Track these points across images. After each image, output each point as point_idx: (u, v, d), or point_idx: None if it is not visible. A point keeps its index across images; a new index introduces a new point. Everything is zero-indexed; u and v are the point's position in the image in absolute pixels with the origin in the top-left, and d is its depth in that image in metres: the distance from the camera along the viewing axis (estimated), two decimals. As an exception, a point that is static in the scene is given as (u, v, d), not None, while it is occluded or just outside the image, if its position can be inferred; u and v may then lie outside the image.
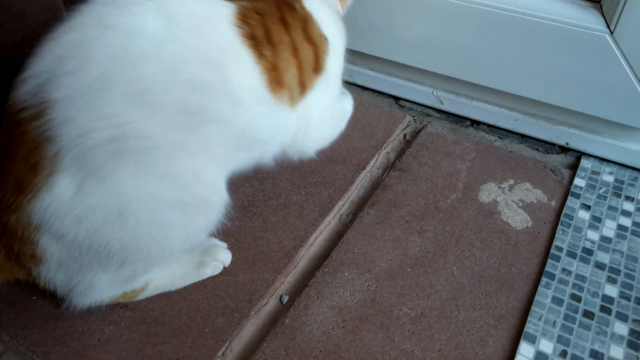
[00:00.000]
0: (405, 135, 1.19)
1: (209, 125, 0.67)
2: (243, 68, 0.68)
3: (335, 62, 0.82)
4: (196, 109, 0.65)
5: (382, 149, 1.13)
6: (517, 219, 0.99)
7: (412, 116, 1.24)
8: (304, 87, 0.76)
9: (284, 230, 0.94)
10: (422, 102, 1.25)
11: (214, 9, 0.67)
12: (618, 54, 0.94)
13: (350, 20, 1.14)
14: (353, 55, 1.26)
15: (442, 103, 1.22)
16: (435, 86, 1.21)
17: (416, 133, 1.19)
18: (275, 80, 0.71)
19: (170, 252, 0.72)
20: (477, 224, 0.98)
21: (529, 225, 0.98)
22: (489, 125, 1.21)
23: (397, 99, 1.29)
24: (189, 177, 0.67)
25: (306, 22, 0.76)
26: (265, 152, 0.80)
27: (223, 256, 0.86)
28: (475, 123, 1.22)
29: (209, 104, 0.66)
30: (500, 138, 1.19)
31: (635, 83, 0.95)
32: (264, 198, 1.00)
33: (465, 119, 1.23)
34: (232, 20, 0.67)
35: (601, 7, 0.95)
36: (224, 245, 0.88)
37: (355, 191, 1.05)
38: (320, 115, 0.82)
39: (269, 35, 0.70)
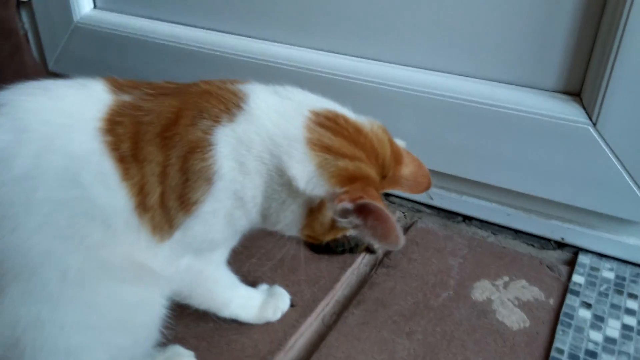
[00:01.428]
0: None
1: (91, 248, 0.61)
2: (106, 187, 0.61)
3: (213, 215, 0.68)
4: (68, 231, 0.60)
5: (370, 245, 1.09)
6: (514, 319, 0.92)
7: (402, 212, 1.22)
8: (170, 224, 0.66)
9: (261, 333, 0.88)
10: (412, 198, 1.23)
11: (78, 111, 0.62)
12: (603, 145, 0.92)
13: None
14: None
15: (432, 199, 1.20)
16: (424, 182, 1.20)
17: (406, 229, 1.15)
18: (142, 205, 0.64)
19: None
20: (470, 324, 0.91)
21: (527, 325, 0.91)
22: (481, 221, 1.17)
23: (386, 195, 1.27)
24: (90, 298, 0.62)
25: (196, 149, 0.64)
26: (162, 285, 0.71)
27: None
28: (467, 218, 1.19)
29: (79, 227, 0.60)
30: (494, 234, 1.15)
31: (624, 174, 0.93)
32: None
33: (457, 214, 1.20)
34: (97, 127, 0.61)
35: (581, 99, 0.96)
36: (189, 353, 0.82)
37: (340, 290, 1.00)
38: (186, 269, 0.72)
39: (136, 152, 0.62)
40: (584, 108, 0.94)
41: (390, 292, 0.98)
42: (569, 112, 0.95)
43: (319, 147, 0.67)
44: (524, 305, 0.95)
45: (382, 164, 0.73)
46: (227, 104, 0.66)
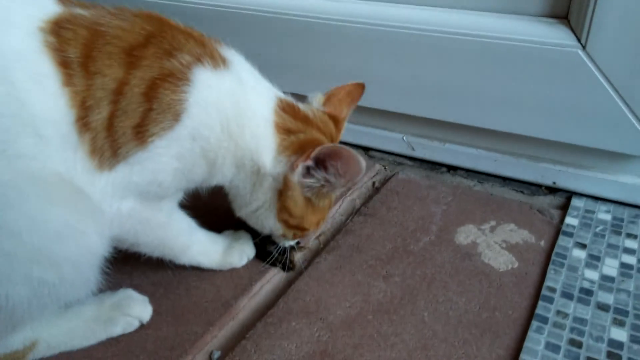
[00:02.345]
0: (374, 183, 1.08)
1: (12, 158, 0.53)
2: (42, 90, 0.54)
3: (169, 155, 0.62)
4: None
5: (347, 195, 1.01)
6: (501, 260, 0.84)
7: (382, 165, 1.14)
8: (114, 151, 0.60)
9: (224, 279, 0.80)
10: (393, 150, 1.15)
11: (17, 8, 0.55)
12: (594, 69, 0.85)
13: (307, 66, 1.08)
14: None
15: (413, 149, 1.12)
16: (405, 131, 1.12)
17: (386, 180, 1.07)
18: (82, 120, 0.57)
19: (19, 313, 0.56)
20: (453, 266, 0.83)
21: (515, 266, 0.83)
22: (467, 170, 1.09)
23: (366, 149, 1.19)
24: (9, 219, 0.53)
25: (170, 78, 0.60)
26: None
27: (138, 311, 0.72)
28: (451, 169, 1.11)
29: (2, 130, 0.53)
30: (480, 182, 1.07)
31: (618, 101, 0.85)
32: (206, 245, 0.86)
33: (440, 164, 1.12)
34: (39, 26, 0.55)
35: (569, 21, 0.88)
36: (142, 297, 0.74)
37: (312, 237, 0.91)
38: (124, 206, 0.64)
39: (86, 61, 0.56)
40: (572, 30, 0.87)
41: (367, 238, 0.90)
42: (556, 36, 0.87)
43: (282, 129, 0.70)
44: (512, 248, 0.87)
45: (330, 138, 0.76)
46: (212, 51, 0.64)
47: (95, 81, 0.56)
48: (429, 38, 0.96)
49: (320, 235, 0.92)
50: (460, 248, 0.87)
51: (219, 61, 0.64)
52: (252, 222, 0.77)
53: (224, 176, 0.70)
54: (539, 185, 1.03)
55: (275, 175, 0.70)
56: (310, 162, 0.68)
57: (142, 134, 0.60)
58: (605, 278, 0.79)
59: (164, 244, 0.74)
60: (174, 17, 0.66)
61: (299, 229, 0.76)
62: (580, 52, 0.85)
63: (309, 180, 0.70)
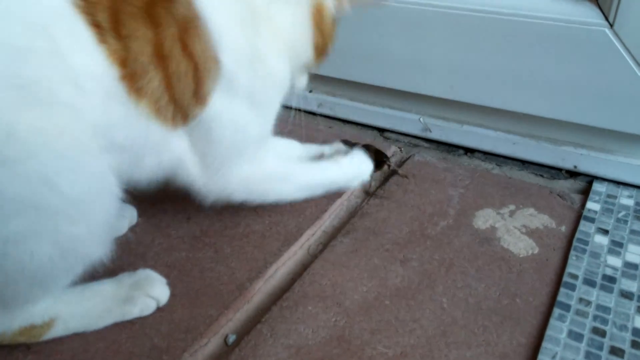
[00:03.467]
0: (389, 165, 1.06)
1: (54, 106, 0.52)
2: (80, 46, 0.53)
3: (232, 106, 0.65)
4: (28, 83, 0.50)
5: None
6: (521, 246, 0.82)
7: (398, 147, 1.12)
8: (182, 112, 0.62)
9: (239, 261, 0.79)
10: (409, 132, 1.13)
11: None
12: (621, 49, 0.82)
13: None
14: (331, 84, 1.17)
15: (430, 131, 1.10)
16: (422, 112, 1.10)
17: (402, 162, 1.05)
18: (131, 82, 0.57)
19: (42, 274, 0.56)
20: (471, 251, 0.81)
21: (535, 252, 0.81)
22: (485, 153, 1.07)
23: (381, 130, 1.17)
24: (42, 167, 0.51)
25: (188, 26, 0.59)
26: (138, 165, 0.64)
27: (158, 292, 0.71)
28: (469, 151, 1.09)
29: (42, 79, 0.51)
30: (499, 165, 1.05)
31: (644, 80, 0.82)
32: (220, 227, 0.85)
33: (458, 147, 1.10)
34: None
35: (596, -1, 0.85)
36: (160, 278, 0.73)
37: (328, 220, 0.90)
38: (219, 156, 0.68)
39: (116, 26, 0.55)
40: (600, 8, 0.84)
41: (383, 221, 0.88)
42: (582, 13, 0.84)
43: None
44: (532, 233, 0.85)
45: None
46: None
47: (131, 44, 0.56)
48: (446, 15, 0.93)
49: (335, 219, 0.90)
50: (478, 232, 0.85)
51: None
52: (294, 64, 0.75)
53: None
54: (559, 169, 1.01)
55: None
56: None
57: (199, 95, 0.61)
58: (628, 265, 0.77)
59: (303, 188, 0.86)
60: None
61: (323, 52, 0.77)
62: (608, 31, 0.82)
63: None
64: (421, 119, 1.10)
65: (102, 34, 0.54)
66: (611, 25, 0.81)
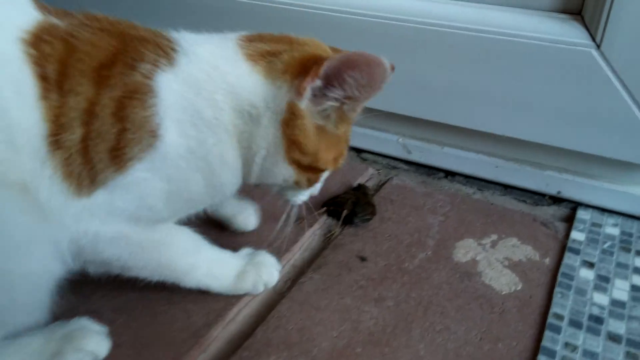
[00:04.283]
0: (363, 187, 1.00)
1: None
2: (21, 99, 0.50)
3: (156, 178, 0.57)
4: None
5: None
6: (503, 281, 0.77)
7: (377, 169, 1.06)
8: (92, 177, 0.55)
9: (196, 303, 0.72)
10: (388, 152, 1.07)
11: (2, 15, 0.52)
12: (608, 71, 0.77)
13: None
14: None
15: (409, 152, 1.05)
16: (401, 133, 1.04)
17: (379, 186, 1.00)
18: (54, 137, 0.52)
19: None
20: (451, 288, 0.76)
21: (518, 288, 0.76)
22: (466, 176, 1.02)
23: (359, 151, 1.11)
24: None
25: (136, 93, 0.55)
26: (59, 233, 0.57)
27: (94, 345, 0.63)
28: (449, 174, 1.04)
29: None
30: (480, 190, 1.00)
31: (632, 106, 0.78)
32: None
33: (438, 169, 1.04)
34: (22, 36, 0.51)
35: (582, 18, 0.80)
36: (98, 329, 0.65)
37: (298, 252, 0.84)
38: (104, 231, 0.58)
39: (61, 78, 0.52)
40: (586, 28, 0.79)
41: (358, 254, 0.82)
42: (568, 33, 0.79)
43: (258, 55, 0.60)
44: (515, 266, 0.80)
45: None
46: (164, 48, 0.58)
47: (69, 99, 0.53)
48: (427, 32, 0.88)
49: (306, 251, 0.84)
50: (459, 266, 0.80)
51: (172, 55, 0.58)
52: (266, 181, 0.66)
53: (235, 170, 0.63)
54: (542, 195, 0.96)
55: (274, 107, 0.59)
56: (318, 82, 0.58)
57: (119, 157, 0.55)
58: (615, 303, 0.73)
59: (163, 266, 0.67)
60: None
61: (314, 171, 0.65)
62: (594, 52, 0.77)
63: (321, 104, 0.60)
64: (400, 140, 1.04)
65: (47, 88, 0.52)
66: (598, 46, 0.77)
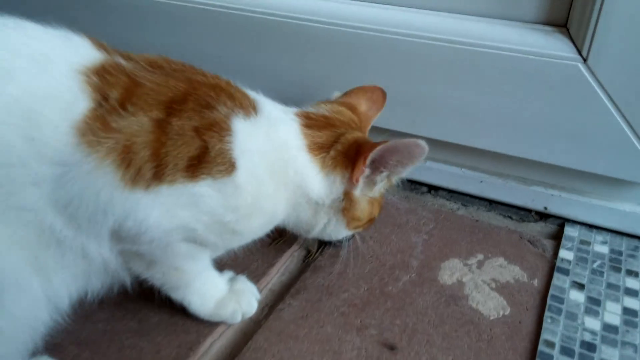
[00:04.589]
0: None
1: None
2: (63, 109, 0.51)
3: (217, 202, 0.58)
4: None
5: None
6: (491, 305, 0.74)
7: (357, 184, 1.02)
8: (158, 174, 0.55)
9: (167, 334, 0.67)
10: (368, 166, 1.03)
11: (60, 53, 0.54)
12: (595, 85, 0.74)
13: (273, 71, 0.95)
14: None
15: (391, 166, 1.01)
16: (382, 146, 1.00)
17: (360, 202, 0.95)
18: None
19: None
20: (437, 313, 0.72)
21: (507, 312, 0.72)
22: (450, 191, 0.99)
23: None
24: None
25: (213, 126, 0.57)
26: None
27: None
28: (433, 189, 1.00)
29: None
30: (465, 205, 0.96)
31: (620, 122, 0.75)
32: (147, 290, 0.73)
33: (421, 184, 1.01)
34: (78, 70, 0.53)
35: (568, 30, 0.77)
36: None
37: (276, 276, 0.79)
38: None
39: (125, 103, 0.53)
40: (572, 41, 0.76)
41: (339, 277, 0.78)
42: (554, 46, 0.76)
43: (315, 148, 0.66)
44: (502, 288, 0.76)
45: (356, 125, 0.74)
46: (242, 102, 0.61)
47: (129, 120, 0.53)
48: (407, 43, 0.84)
49: (284, 274, 0.80)
50: (444, 289, 0.76)
51: (249, 109, 0.61)
52: (324, 238, 0.75)
53: (279, 220, 0.68)
54: (528, 210, 0.93)
55: (331, 197, 0.68)
56: (367, 171, 0.66)
57: (195, 167, 0.55)
58: (608, 328, 0.70)
59: (181, 268, 0.64)
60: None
61: (369, 223, 0.75)
62: (581, 66, 0.75)
63: (371, 185, 0.69)
64: (381, 154, 1.00)
65: (102, 106, 0.53)
66: (585, 60, 0.74)
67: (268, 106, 0.65)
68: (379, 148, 0.63)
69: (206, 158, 0.55)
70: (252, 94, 0.65)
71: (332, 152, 0.66)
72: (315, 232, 0.72)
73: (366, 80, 0.85)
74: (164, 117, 0.54)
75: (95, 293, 0.63)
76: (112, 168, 0.52)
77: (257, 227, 0.65)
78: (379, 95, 0.81)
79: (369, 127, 0.80)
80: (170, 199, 0.55)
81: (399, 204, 0.95)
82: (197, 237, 0.59)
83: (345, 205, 0.68)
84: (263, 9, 0.92)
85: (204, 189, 0.56)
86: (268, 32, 0.94)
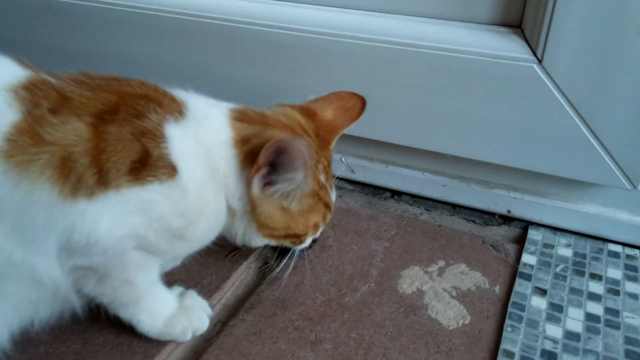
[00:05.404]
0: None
1: None
2: None
3: (167, 207, 0.57)
4: None
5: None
6: (450, 314, 0.71)
7: (320, 190, 0.99)
8: (101, 180, 0.53)
9: (112, 356, 0.64)
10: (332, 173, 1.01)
11: None
12: (551, 86, 0.73)
13: (225, 76, 0.92)
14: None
15: (353, 172, 0.99)
16: (345, 152, 0.98)
17: (321, 210, 0.93)
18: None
19: None
20: (395, 324, 0.70)
21: (466, 321, 0.70)
22: (413, 196, 0.97)
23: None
24: None
25: (146, 134, 0.56)
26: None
27: None
28: (396, 194, 0.98)
29: None
30: (428, 210, 0.94)
31: (579, 122, 0.74)
32: (94, 310, 0.70)
33: (384, 189, 0.99)
34: (6, 88, 0.52)
35: (522, 31, 0.76)
36: None
37: (230, 290, 0.77)
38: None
39: (55, 108, 0.52)
40: (527, 42, 0.75)
41: (296, 289, 0.76)
42: (509, 48, 0.75)
43: (239, 141, 0.63)
44: (463, 297, 0.74)
45: (302, 130, 0.69)
46: (170, 107, 0.59)
47: (64, 129, 0.51)
48: (363, 47, 0.82)
49: (239, 288, 0.77)
50: (403, 299, 0.74)
51: (176, 113, 0.59)
52: (250, 245, 0.70)
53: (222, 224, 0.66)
54: (492, 214, 0.92)
55: (242, 197, 0.64)
56: (263, 170, 0.61)
57: (139, 171, 0.53)
58: (569, 335, 0.68)
59: (129, 284, 0.60)
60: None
61: (292, 237, 0.69)
62: (536, 67, 0.73)
63: (273, 189, 0.63)
64: (343, 159, 0.98)
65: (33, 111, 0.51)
66: (540, 61, 0.73)
67: (197, 104, 0.63)
68: (269, 144, 0.58)
69: (149, 161, 0.54)
70: (181, 95, 0.63)
71: (246, 147, 0.63)
72: (238, 239, 0.68)
73: (321, 85, 0.83)
74: (98, 123, 0.53)
75: (43, 322, 0.60)
76: (48, 185, 0.50)
77: (203, 233, 0.63)
78: (355, 103, 0.76)
79: (337, 136, 0.76)
80: (119, 207, 0.53)
81: (361, 210, 0.93)
82: (149, 245, 0.57)
83: (251, 207, 0.64)
84: (217, 14, 0.90)
85: (152, 194, 0.54)
86: (221, 38, 0.91)
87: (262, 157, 0.59)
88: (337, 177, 1.01)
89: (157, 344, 0.66)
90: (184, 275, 0.76)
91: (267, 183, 0.63)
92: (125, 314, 0.64)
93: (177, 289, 0.71)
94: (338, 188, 1.00)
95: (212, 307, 0.72)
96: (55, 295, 0.56)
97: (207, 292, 0.74)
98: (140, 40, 0.98)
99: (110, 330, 0.67)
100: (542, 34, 0.71)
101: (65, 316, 0.62)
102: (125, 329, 0.66)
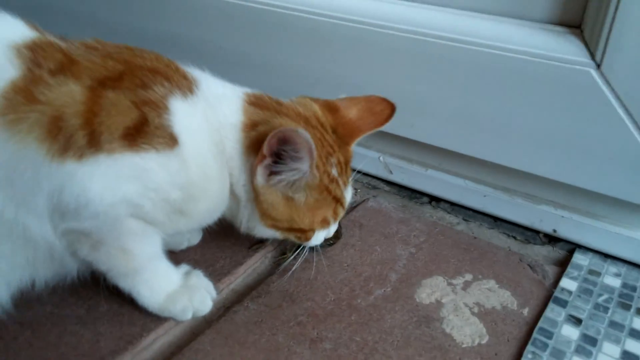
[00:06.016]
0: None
1: None
2: None
3: (162, 177, 0.56)
4: None
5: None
6: (467, 332, 0.66)
7: (355, 188, 0.96)
8: (92, 142, 0.53)
9: (110, 325, 0.64)
10: (369, 171, 0.97)
11: None
12: (609, 94, 0.65)
13: (271, 65, 0.90)
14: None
15: (391, 172, 0.94)
16: (383, 150, 0.94)
17: (352, 208, 0.90)
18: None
19: None
20: (404, 333, 0.65)
21: (483, 342, 0.64)
22: (452, 204, 0.91)
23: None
24: None
25: (149, 104, 0.55)
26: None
27: None
28: (434, 200, 0.93)
29: None
30: (466, 220, 0.88)
31: (637, 136, 0.66)
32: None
33: (422, 194, 0.94)
34: (11, 45, 0.52)
35: (582, 32, 0.69)
36: None
37: (242, 276, 0.75)
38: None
39: (57, 69, 0.52)
40: (586, 44, 0.68)
41: (307, 283, 0.73)
42: (565, 49, 0.68)
43: (250, 125, 0.63)
44: (485, 315, 0.68)
45: (318, 123, 0.67)
46: (179, 83, 0.59)
47: (59, 91, 0.51)
48: (409, 41, 0.78)
49: (251, 275, 0.75)
50: (419, 308, 0.69)
51: (186, 89, 0.59)
52: (255, 234, 0.69)
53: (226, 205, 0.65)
54: (536, 232, 0.84)
55: (247, 185, 0.63)
56: (268, 160, 0.60)
57: (133, 137, 0.53)
58: (599, 373, 0.60)
59: (125, 252, 0.60)
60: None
61: (297, 231, 0.67)
62: (594, 72, 0.66)
63: (277, 179, 0.61)
64: (381, 158, 0.94)
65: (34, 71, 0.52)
66: (598, 66, 0.65)
67: (210, 85, 0.63)
68: (273, 133, 0.57)
69: (144, 129, 0.54)
70: (195, 73, 0.63)
71: (253, 133, 0.62)
72: (244, 226, 0.67)
73: (365, 79, 0.80)
74: (97, 87, 0.53)
75: (43, 282, 0.61)
76: (36, 144, 0.50)
77: (204, 211, 0.63)
78: (383, 108, 0.72)
79: (358, 137, 0.72)
80: (111, 170, 0.53)
81: (393, 213, 0.88)
82: (146, 215, 0.57)
83: (254, 194, 0.63)
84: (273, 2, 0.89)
85: (148, 162, 0.54)
86: (269, 25, 0.90)
87: (266, 147, 0.59)
88: (374, 177, 0.97)
89: (157, 319, 0.65)
90: (198, 256, 0.76)
91: (272, 172, 0.61)
92: (124, 285, 0.63)
93: (184, 267, 0.70)
94: (373, 188, 0.96)
95: (219, 290, 0.71)
96: (52, 256, 0.57)
97: (217, 275, 0.72)
98: (189, 23, 0.99)
99: (116, 300, 0.67)
100: (602, 36, 0.64)
101: (68, 280, 0.62)
102: (131, 301, 0.66)
